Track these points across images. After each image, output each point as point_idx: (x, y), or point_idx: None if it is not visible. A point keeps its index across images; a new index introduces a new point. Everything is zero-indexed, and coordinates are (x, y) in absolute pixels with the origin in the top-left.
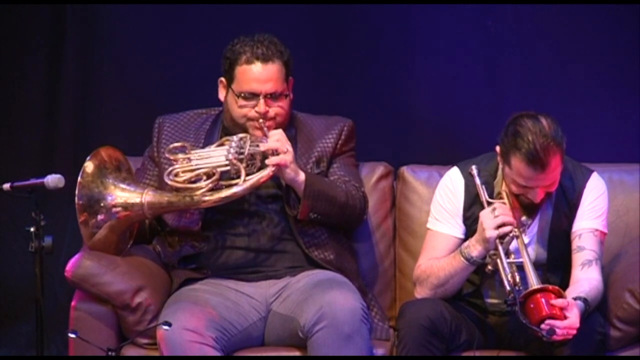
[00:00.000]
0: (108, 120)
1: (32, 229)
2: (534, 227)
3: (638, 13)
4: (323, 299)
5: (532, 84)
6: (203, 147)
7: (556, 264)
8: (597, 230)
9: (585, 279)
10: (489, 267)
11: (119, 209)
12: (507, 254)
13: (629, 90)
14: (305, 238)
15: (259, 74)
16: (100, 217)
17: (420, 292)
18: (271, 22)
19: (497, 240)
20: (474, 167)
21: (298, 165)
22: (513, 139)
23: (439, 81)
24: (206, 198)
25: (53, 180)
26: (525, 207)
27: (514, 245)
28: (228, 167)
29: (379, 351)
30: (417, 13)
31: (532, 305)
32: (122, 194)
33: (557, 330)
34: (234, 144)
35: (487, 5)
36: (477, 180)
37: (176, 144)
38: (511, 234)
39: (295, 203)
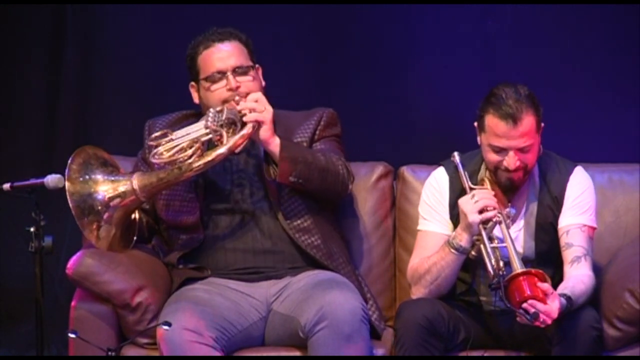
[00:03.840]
0: (108, 120)
1: (32, 229)
2: (520, 222)
3: (638, 13)
4: (323, 299)
5: (532, 84)
6: None
7: (545, 259)
8: (584, 225)
9: (575, 275)
10: (472, 252)
11: (114, 201)
12: (491, 239)
13: (629, 90)
14: (292, 224)
15: (219, 52)
16: (105, 216)
17: (416, 292)
18: (271, 22)
19: (481, 226)
20: (456, 154)
21: None
22: (487, 100)
23: (439, 81)
24: (194, 165)
25: (53, 180)
26: (506, 190)
27: (499, 234)
28: (210, 135)
29: (379, 351)
30: (417, 13)
31: (514, 288)
32: (112, 185)
33: (540, 315)
34: (210, 114)
35: (487, 5)
36: (460, 168)
37: (157, 133)
38: (494, 219)
39: (275, 170)
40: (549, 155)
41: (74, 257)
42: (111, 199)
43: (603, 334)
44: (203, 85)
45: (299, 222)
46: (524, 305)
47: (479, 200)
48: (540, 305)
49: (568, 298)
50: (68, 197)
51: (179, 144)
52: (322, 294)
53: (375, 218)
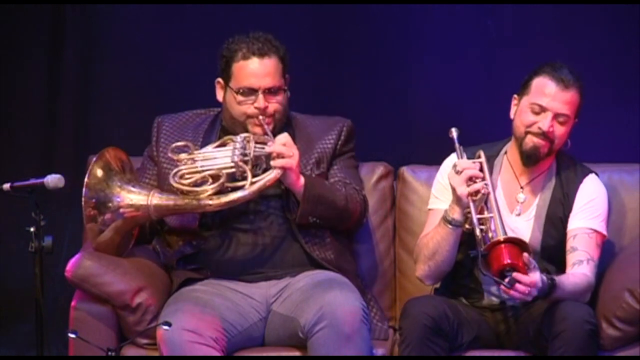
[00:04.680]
0: (108, 120)
1: (32, 229)
2: (532, 212)
3: (638, 13)
4: (323, 299)
5: None
6: (201, 147)
7: (550, 254)
8: (593, 231)
9: (570, 272)
10: (466, 225)
11: (126, 210)
12: (481, 212)
13: (629, 90)
14: (306, 237)
15: (256, 69)
16: (107, 216)
17: (417, 269)
18: (271, 22)
19: (470, 198)
20: (453, 129)
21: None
22: (540, 67)
23: (439, 81)
24: (212, 202)
25: (53, 180)
26: (526, 159)
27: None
28: (233, 169)
29: (379, 351)
30: (418, 13)
31: (494, 256)
32: (129, 196)
33: (519, 286)
34: (238, 145)
35: (487, 5)
36: (456, 142)
37: (179, 143)
38: (482, 191)
39: (295, 206)
40: (571, 157)
41: (73, 260)
42: (123, 206)
43: (598, 329)
44: (231, 93)
45: (317, 240)
46: (505, 273)
47: (462, 171)
48: (521, 276)
49: (551, 279)
50: (84, 189)
51: (201, 171)
52: (322, 294)
53: (375, 218)
